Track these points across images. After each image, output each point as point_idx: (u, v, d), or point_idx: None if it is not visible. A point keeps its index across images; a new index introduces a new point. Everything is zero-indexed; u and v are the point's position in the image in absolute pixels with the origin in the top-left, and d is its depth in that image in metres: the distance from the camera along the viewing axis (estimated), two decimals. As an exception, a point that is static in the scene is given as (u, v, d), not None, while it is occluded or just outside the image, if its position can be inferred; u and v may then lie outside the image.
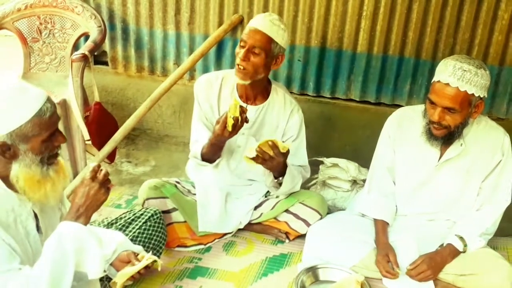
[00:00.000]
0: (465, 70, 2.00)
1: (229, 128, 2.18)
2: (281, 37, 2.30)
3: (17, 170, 1.55)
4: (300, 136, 2.54)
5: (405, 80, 3.12)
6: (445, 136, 2.14)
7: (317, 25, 3.08)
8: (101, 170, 1.72)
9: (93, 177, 1.70)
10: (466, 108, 2.05)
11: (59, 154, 1.68)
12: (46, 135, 1.57)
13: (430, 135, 2.17)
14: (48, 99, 1.58)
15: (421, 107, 2.27)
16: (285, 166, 2.36)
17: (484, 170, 2.24)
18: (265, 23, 2.27)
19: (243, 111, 2.20)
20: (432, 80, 2.12)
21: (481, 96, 2.05)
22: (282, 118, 2.50)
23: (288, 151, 2.28)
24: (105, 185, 1.72)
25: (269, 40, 2.27)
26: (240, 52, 2.28)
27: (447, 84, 2.02)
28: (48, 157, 1.61)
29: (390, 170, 2.39)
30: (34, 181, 1.57)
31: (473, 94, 2.02)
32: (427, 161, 2.28)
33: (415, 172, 2.32)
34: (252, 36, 2.26)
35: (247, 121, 2.25)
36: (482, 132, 2.23)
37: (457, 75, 2.00)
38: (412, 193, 2.35)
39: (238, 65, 2.29)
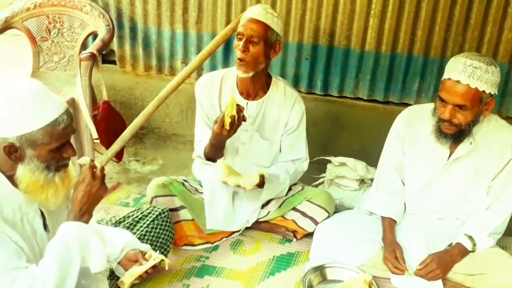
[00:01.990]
0: (476, 67, 1.99)
1: (227, 127, 2.18)
2: (276, 24, 2.33)
3: (21, 172, 1.55)
4: (300, 127, 2.53)
5: (413, 79, 3.11)
6: (455, 134, 2.12)
7: (325, 23, 3.07)
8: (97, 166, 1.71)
9: (93, 175, 1.68)
10: (477, 105, 2.04)
11: (68, 164, 1.67)
12: (55, 146, 1.56)
13: (440, 134, 2.16)
14: (67, 111, 1.57)
15: (430, 106, 2.25)
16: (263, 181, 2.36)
17: (494, 169, 2.22)
18: (259, 12, 2.31)
19: (240, 109, 2.19)
20: (442, 78, 2.10)
21: (492, 93, 2.04)
22: (283, 111, 2.50)
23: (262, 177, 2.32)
24: (103, 180, 1.71)
25: (266, 28, 2.30)
26: (239, 44, 2.30)
27: (458, 81, 2.00)
28: (56, 166, 1.61)
29: (398, 169, 2.37)
30: (36, 186, 1.57)
31: (484, 91, 2.00)
32: (436, 160, 2.26)
33: (424, 171, 2.30)
34: (248, 26, 2.29)
35: (244, 120, 2.25)
36: (492, 130, 2.21)
37: (467, 72, 1.99)
38: (421, 192, 2.33)
39: (239, 59, 2.31)
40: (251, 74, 2.33)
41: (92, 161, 1.72)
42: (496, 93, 2.07)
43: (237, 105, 2.18)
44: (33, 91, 1.53)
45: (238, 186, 2.29)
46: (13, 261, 1.51)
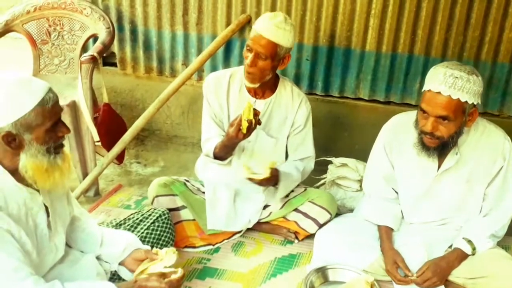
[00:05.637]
0: (457, 77, 1.92)
1: (244, 131, 2.21)
2: (286, 39, 2.29)
3: (24, 160, 1.58)
4: (307, 126, 2.55)
5: (414, 79, 3.10)
6: (438, 147, 2.06)
7: (325, 24, 3.06)
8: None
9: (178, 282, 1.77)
10: (460, 116, 1.97)
11: (64, 145, 1.71)
12: (49, 125, 1.59)
13: (423, 146, 2.09)
14: (51, 90, 1.61)
15: (415, 114, 2.15)
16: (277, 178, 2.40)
17: (486, 177, 2.16)
18: (269, 28, 2.26)
19: (256, 113, 2.22)
20: (423, 89, 2.04)
21: (475, 103, 1.97)
22: (290, 110, 2.51)
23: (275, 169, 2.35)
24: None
25: (274, 46, 2.27)
26: (248, 56, 2.30)
27: (439, 93, 1.94)
28: (54, 147, 1.64)
29: (387, 179, 2.33)
30: (42, 170, 1.60)
31: (466, 102, 1.94)
32: (426, 172, 2.21)
33: (415, 182, 2.25)
34: (257, 42, 2.27)
35: (259, 123, 2.27)
36: (481, 138, 2.14)
37: (448, 83, 1.92)
38: (416, 202, 2.29)
39: (247, 71, 2.33)
40: (257, 85, 2.37)
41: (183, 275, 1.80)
42: (480, 103, 2.01)
43: (254, 109, 2.21)
44: (15, 79, 1.57)
45: (260, 182, 2.31)
46: (19, 262, 1.52)
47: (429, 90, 1.98)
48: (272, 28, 2.25)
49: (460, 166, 2.16)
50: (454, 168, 2.16)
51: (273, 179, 2.36)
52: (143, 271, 1.86)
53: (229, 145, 2.37)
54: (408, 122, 2.21)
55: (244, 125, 2.19)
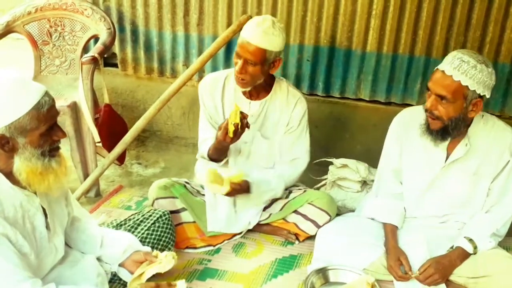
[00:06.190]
0: (464, 61, 1.95)
1: (230, 134, 2.22)
2: (275, 44, 2.27)
3: (18, 163, 1.56)
4: (300, 126, 2.52)
5: (415, 79, 3.10)
6: (439, 129, 2.08)
7: (326, 24, 3.06)
8: None
9: None
10: (460, 101, 1.99)
11: (60, 148, 1.69)
12: (44, 129, 1.57)
13: (427, 128, 2.12)
14: (47, 93, 1.59)
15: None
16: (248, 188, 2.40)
17: (492, 171, 2.18)
18: (256, 34, 2.24)
19: (243, 117, 2.22)
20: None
21: (479, 92, 1.98)
22: (285, 110, 2.50)
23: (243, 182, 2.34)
24: None
25: (263, 52, 2.25)
26: (237, 62, 2.29)
27: (443, 72, 1.98)
28: (49, 150, 1.62)
29: (396, 172, 2.34)
30: (36, 174, 1.58)
31: (467, 87, 1.95)
32: (433, 163, 2.23)
33: (422, 173, 2.26)
34: (245, 49, 2.26)
35: (248, 127, 2.27)
36: (490, 132, 2.17)
37: (454, 64, 1.96)
38: (421, 195, 2.30)
39: (236, 76, 2.32)
40: (249, 88, 2.38)
41: None
42: (487, 96, 2.01)
43: (241, 112, 2.21)
44: (11, 80, 1.55)
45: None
46: (15, 266, 1.52)
47: (437, 69, 2.03)
48: (260, 34, 2.23)
49: (468, 158, 2.17)
50: (463, 160, 2.18)
51: (234, 193, 2.36)
52: (141, 275, 1.86)
53: (220, 148, 2.37)
54: (418, 114, 2.24)
55: (231, 128, 2.19)
